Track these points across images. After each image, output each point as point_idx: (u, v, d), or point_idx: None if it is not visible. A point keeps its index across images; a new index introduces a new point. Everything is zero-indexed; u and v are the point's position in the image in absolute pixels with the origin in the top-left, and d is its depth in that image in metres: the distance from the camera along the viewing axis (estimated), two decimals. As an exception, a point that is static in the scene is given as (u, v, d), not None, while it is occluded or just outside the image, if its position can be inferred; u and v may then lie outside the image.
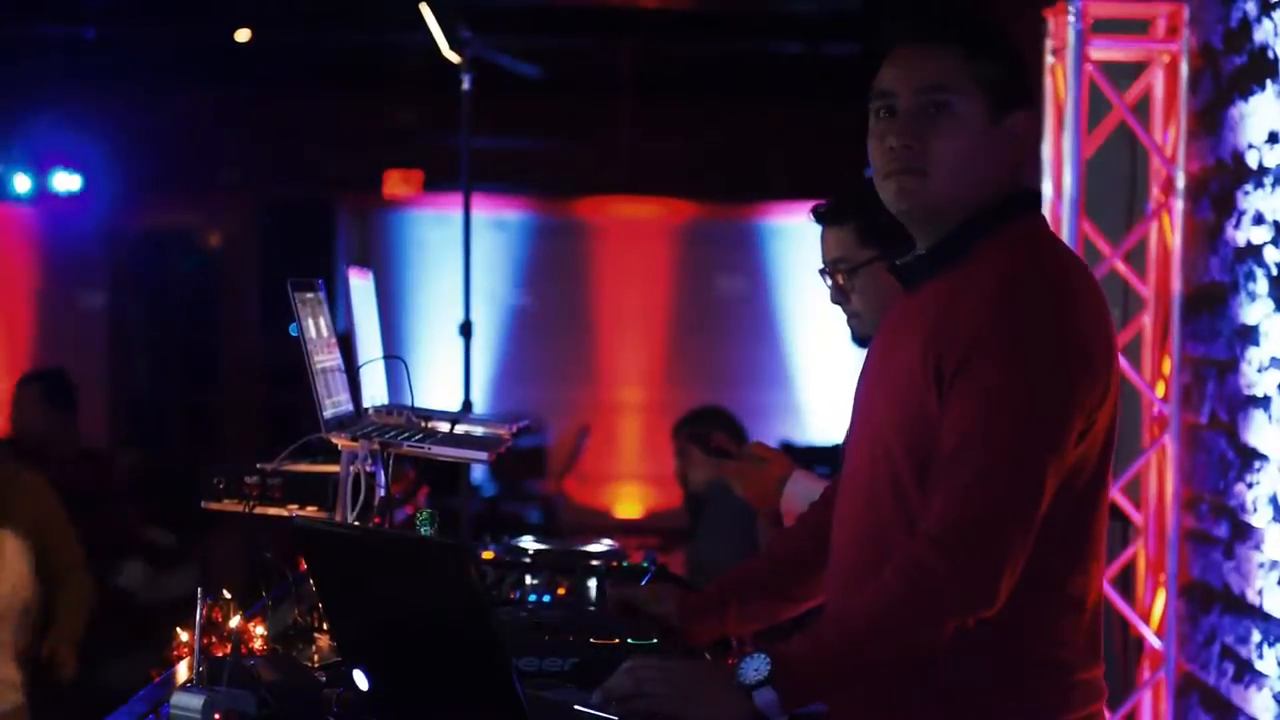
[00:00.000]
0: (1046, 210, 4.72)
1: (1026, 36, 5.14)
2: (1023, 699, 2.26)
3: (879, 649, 2.19)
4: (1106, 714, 2.33)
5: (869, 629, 2.19)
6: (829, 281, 3.01)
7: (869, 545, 2.29)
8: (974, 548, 2.15)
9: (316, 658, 2.60)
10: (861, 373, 2.47)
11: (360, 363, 3.01)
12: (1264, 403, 3.85)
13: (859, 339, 3.04)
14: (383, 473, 2.74)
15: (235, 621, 2.49)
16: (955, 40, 2.29)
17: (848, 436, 2.47)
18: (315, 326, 2.79)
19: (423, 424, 2.98)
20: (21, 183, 9.89)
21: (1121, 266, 4.68)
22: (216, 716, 2.09)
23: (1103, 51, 4.68)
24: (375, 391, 3.10)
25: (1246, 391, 3.97)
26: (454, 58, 5.45)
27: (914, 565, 2.16)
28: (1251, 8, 3.99)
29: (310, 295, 2.81)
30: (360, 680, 2.15)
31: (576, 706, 2.22)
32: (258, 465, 2.78)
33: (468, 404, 5.42)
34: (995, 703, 2.25)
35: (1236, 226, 4.08)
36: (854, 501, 2.37)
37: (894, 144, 2.28)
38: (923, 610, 2.16)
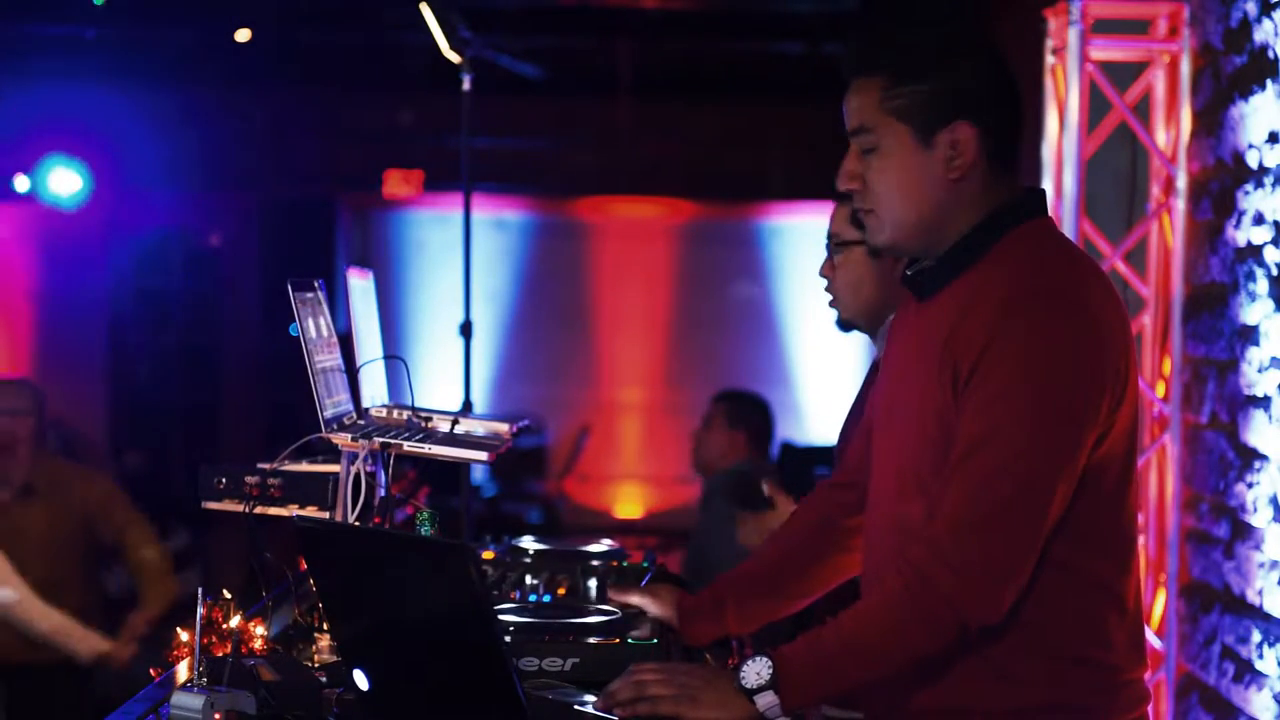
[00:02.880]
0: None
1: (1026, 36, 5.15)
2: (1072, 700, 2.25)
3: (880, 655, 2.19)
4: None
5: (871, 635, 2.19)
6: (827, 254, 3.03)
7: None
8: (977, 557, 2.14)
9: (316, 658, 2.60)
10: (878, 389, 2.48)
11: (360, 363, 3.01)
12: (1264, 403, 3.85)
13: (840, 323, 3.06)
14: (383, 473, 2.74)
15: (235, 621, 2.49)
16: (877, 72, 2.30)
17: (845, 440, 2.46)
18: (315, 326, 2.79)
19: (423, 424, 2.98)
20: (21, 183, 9.89)
21: (1121, 266, 4.68)
22: (216, 716, 2.09)
23: (1103, 51, 4.68)
24: (375, 391, 3.10)
25: (1246, 391, 3.97)
26: (454, 58, 5.44)
27: (916, 573, 2.16)
28: (1251, 8, 3.99)
29: (310, 295, 2.80)
30: (360, 680, 2.15)
31: (576, 706, 2.22)
32: (258, 465, 2.78)
33: (468, 404, 5.41)
34: (1044, 703, 2.25)
35: (1237, 226, 4.07)
36: (883, 518, 2.36)
37: (843, 188, 2.35)
38: (924, 619, 2.16)
